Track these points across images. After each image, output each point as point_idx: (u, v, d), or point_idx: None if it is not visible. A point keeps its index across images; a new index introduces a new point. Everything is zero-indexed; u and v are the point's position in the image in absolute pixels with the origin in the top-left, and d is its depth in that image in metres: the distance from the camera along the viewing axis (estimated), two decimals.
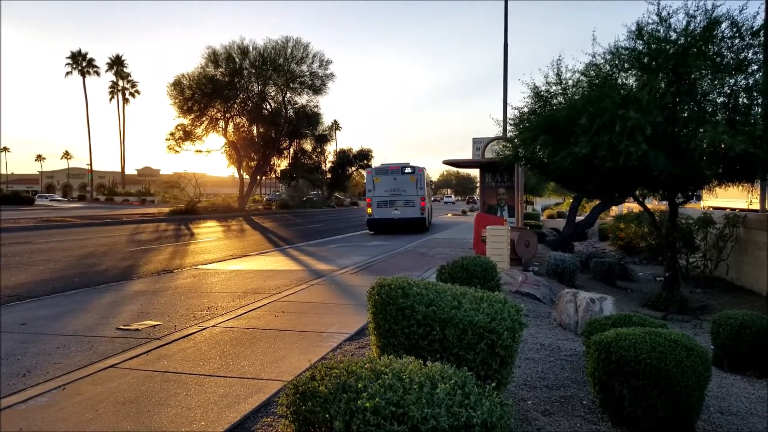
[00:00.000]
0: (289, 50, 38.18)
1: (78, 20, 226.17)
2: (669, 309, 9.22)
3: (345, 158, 58.18)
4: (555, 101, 10.23)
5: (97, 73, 67.49)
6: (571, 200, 21.51)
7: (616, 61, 9.35)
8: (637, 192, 11.04)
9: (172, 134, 37.62)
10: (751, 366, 5.01)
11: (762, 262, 10.54)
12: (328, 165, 57.50)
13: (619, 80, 9.39)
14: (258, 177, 45.07)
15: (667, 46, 8.53)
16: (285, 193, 58.11)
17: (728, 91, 8.58)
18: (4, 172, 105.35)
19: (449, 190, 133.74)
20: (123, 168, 78.85)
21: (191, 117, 37.24)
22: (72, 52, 65.57)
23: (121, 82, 70.61)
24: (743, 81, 8.43)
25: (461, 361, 2.99)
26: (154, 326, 5.87)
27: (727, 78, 8.36)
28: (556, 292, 8.27)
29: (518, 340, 3.19)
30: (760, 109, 8.01)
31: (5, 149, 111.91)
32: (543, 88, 10.36)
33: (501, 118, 14.21)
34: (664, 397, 3.13)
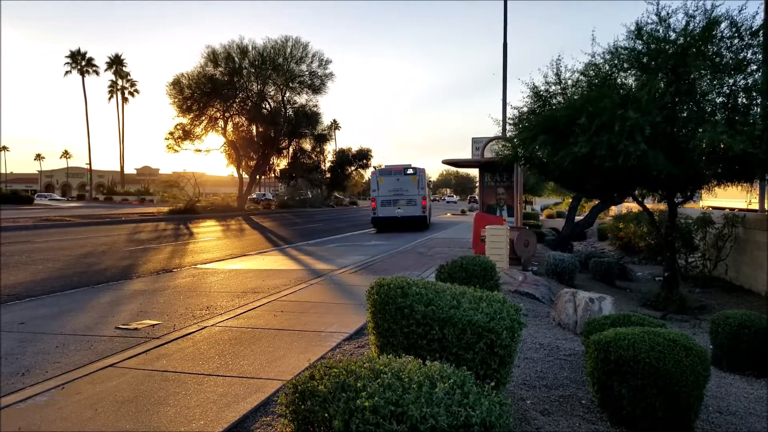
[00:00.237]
0: (289, 50, 38.19)
1: (77, 20, 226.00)
2: (668, 309, 9.24)
3: (344, 158, 58.19)
4: (554, 101, 10.24)
5: (97, 73, 67.52)
6: (571, 200, 21.55)
7: (616, 61, 9.36)
8: (637, 192, 11.06)
9: (171, 133, 37.60)
10: (749, 366, 5.02)
11: (761, 261, 10.55)
12: (328, 164, 57.53)
13: (619, 80, 9.40)
14: (257, 176, 45.05)
15: (667, 46, 8.54)
16: (279, 192, 57.99)
17: (727, 91, 8.60)
18: (3, 171, 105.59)
19: (449, 190, 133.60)
20: (122, 167, 78.93)
21: (190, 116, 37.21)
22: (71, 52, 65.52)
23: (120, 82, 70.69)
24: (742, 81, 8.45)
25: (460, 360, 2.99)
26: (153, 325, 5.87)
27: (727, 78, 8.37)
28: (555, 292, 8.28)
29: (517, 339, 3.19)
30: (759, 109, 8.03)
31: (4, 148, 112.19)
32: (542, 88, 10.37)
33: (500, 117, 14.26)
34: (663, 396, 3.13)
